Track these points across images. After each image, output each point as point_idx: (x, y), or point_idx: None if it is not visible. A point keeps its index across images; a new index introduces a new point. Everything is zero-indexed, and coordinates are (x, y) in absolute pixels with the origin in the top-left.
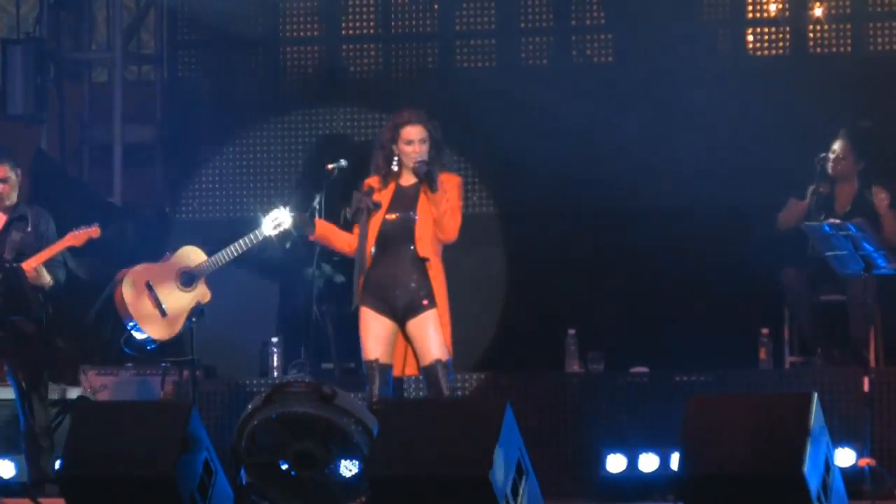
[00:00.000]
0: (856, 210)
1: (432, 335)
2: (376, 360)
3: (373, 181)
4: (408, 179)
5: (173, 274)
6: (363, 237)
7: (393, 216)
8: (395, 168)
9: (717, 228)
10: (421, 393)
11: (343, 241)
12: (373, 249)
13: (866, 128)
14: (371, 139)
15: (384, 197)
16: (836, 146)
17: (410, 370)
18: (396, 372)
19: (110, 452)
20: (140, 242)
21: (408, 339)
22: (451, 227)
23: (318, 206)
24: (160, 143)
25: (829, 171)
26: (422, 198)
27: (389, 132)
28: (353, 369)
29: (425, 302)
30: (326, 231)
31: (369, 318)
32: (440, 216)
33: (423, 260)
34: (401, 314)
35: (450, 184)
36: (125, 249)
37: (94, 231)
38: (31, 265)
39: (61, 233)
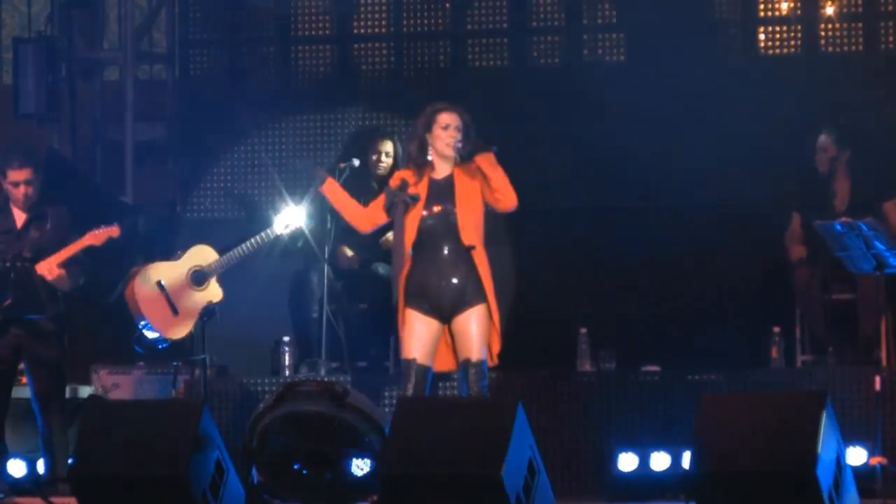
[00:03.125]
0: (854, 205)
1: (473, 334)
2: (414, 360)
3: (406, 174)
4: (440, 172)
5: (185, 273)
6: (400, 233)
7: (433, 211)
8: (430, 158)
9: (729, 227)
10: (455, 391)
11: (351, 209)
12: (410, 246)
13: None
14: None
15: (419, 192)
16: (819, 141)
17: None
18: (445, 367)
19: (121, 451)
20: (151, 241)
21: (452, 335)
22: (512, 192)
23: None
24: (171, 142)
25: (818, 167)
26: (458, 188)
27: (424, 120)
28: (364, 368)
29: (472, 297)
30: (336, 192)
31: (414, 320)
32: (500, 185)
33: (469, 248)
34: (448, 312)
35: (490, 161)
36: (136, 248)
37: (113, 231)
38: (49, 265)
39: (79, 233)
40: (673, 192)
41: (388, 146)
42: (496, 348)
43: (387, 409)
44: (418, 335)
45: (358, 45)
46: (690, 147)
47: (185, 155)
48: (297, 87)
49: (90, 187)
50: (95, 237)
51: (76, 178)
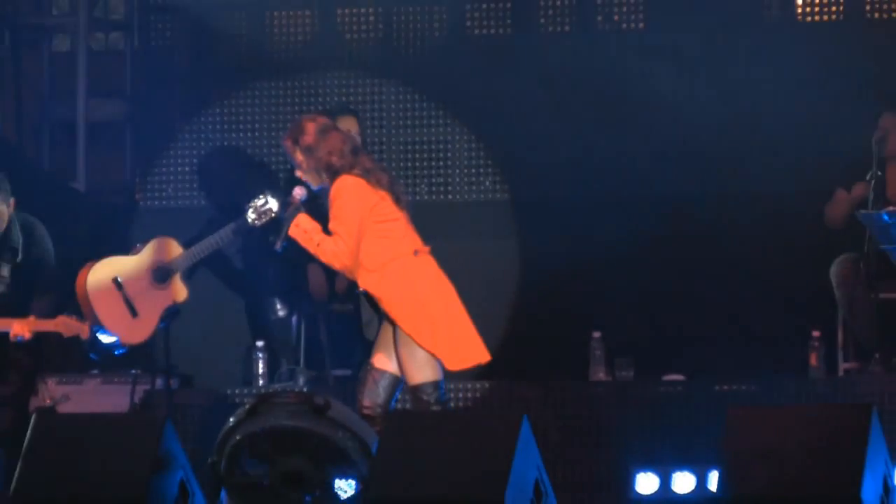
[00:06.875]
0: None
1: (403, 360)
2: (371, 363)
3: None
4: None
5: (145, 269)
6: None
7: None
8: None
9: (761, 218)
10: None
11: None
12: None
13: None
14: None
15: None
16: (882, 120)
17: None
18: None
19: (72, 472)
20: (107, 233)
21: None
22: (334, 261)
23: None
24: (130, 121)
25: (880, 153)
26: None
27: None
28: (348, 377)
29: (386, 322)
30: None
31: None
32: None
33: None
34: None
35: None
36: (89, 241)
37: (84, 329)
38: (21, 331)
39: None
40: (696, 179)
41: (350, 123)
42: (443, 358)
43: None
44: (379, 339)
45: (342, 10)
46: (717, 128)
47: (144, 135)
48: (273, 59)
49: (37, 173)
50: (66, 328)
51: (21, 162)
